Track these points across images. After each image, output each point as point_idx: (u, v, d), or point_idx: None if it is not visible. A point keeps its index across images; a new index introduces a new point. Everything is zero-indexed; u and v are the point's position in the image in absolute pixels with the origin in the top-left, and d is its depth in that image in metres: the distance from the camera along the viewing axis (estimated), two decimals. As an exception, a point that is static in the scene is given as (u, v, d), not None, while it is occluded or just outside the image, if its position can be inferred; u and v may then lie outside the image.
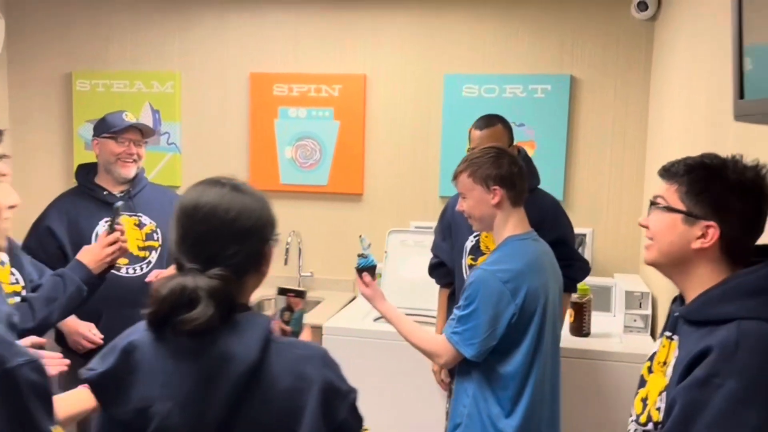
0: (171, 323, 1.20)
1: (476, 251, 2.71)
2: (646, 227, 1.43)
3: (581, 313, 3.12)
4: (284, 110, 3.90)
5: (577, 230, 3.67)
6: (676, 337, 1.39)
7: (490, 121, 2.71)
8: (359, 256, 2.30)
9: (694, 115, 2.60)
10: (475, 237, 2.71)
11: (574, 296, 3.14)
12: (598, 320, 3.31)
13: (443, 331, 2.17)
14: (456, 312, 2.12)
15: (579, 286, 3.15)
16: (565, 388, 2.94)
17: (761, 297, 1.23)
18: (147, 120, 4.00)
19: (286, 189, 3.93)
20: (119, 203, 2.34)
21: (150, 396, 1.20)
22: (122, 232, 2.24)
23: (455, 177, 2.17)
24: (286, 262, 3.75)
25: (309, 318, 3.51)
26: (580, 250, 3.71)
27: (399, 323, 2.26)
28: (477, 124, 2.72)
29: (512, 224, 2.13)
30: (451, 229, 2.81)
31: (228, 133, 4.00)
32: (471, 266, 2.68)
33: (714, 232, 1.31)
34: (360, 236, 2.38)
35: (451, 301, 2.82)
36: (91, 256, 2.17)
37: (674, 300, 1.48)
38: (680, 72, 2.89)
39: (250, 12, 3.92)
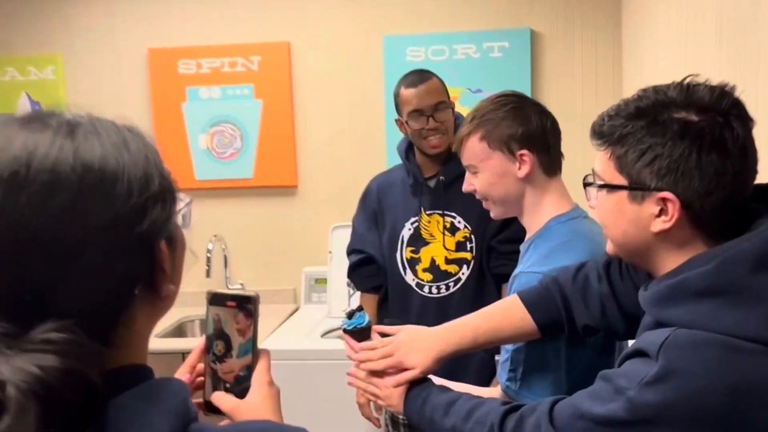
0: None
1: (417, 241, 2.17)
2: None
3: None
4: (193, 91, 3.24)
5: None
6: None
7: (423, 75, 2.14)
8: (347, 314, 1.63)
9: (672, 60, 2.10)
10: (413, 223, 2.17)
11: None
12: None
13: (499, 379, 1.51)
14: (504, 352, 1.46)
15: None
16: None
17: (705, 302, 0.92)
18: (24, 114, 3.28)
19: (204, 186, 3.28)
20: None
21: None
22: None
23: (459, 143, 1.51)
24: (208, 274, 3.09)
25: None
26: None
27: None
28: (407, 81, 2.14)
29: (551, 201, 1.48)
30: (379, 216, 2.26)
31: (127, 122, 3.29)
32: (411, 260, 2.16)
33: (673, 205, 0.96)
34: (348, 281, 1.70)
35: (382, 310, 2.27)
36: None
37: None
38: (654, 15, 2.40)
39: (143, -25, 3.24)
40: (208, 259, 3.09)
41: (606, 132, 1.01)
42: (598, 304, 1.24)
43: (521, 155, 1.43)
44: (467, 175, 1.53)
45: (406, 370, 1.28)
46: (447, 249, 2.13)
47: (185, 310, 3.26)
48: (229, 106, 3.23)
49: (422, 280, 2.15)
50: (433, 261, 2.14)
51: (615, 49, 3.09)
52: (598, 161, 1.05)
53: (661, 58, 2.43)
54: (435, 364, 1.29)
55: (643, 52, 2.70)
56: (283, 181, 3.25)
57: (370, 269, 2.29)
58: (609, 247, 1.10)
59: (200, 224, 3.30)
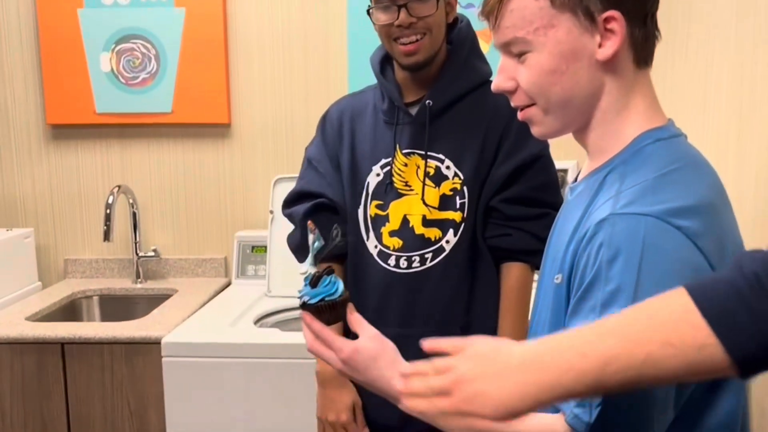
0: None
1: (386, 192, 1.46)
2: None
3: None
4: (93, -7, 2.45)
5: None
6: None
7: None
8: (310, 279, 1.02)
9: None
10: (384, 166, 1.47)
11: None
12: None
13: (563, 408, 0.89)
14: None
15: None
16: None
17: None
18: None
19: (106, 121, 2.51)
20: None
21: None
22: None
23: (496, 3, 0.88)
24: (107, 237, 2.33)
25: (146, 326, 2.13)
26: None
27: None
28: None
29: (642, 107, 0.88)
30: (340, 153, 1.54)
31: (3, 37, 2.50)
32: (376, 218, 1.46)
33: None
34: (311, 225, 1.07)
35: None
36: None
37: None
38: None
39: None
40: (108, 217, 2.33)
41: None
42: None
43: (607, 21, 0.84)
44: (504, 62, 0.90)
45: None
46: (427, 205, 1.43)
47: (79, 283, 2.52)
48: (140, 16, 2.45)
49: (387, 248, 1.45)
50: (405, 221, 1.44)
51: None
52: None
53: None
54: (514, 417, 0.72)
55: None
56: (212, 117, 2.49)
57: (333, 222, 1.54)
58: None
59: (100, 172, 2.54)
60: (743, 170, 1.53)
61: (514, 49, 0.87)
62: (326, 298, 0.98)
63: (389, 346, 0.97)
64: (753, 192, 1.47)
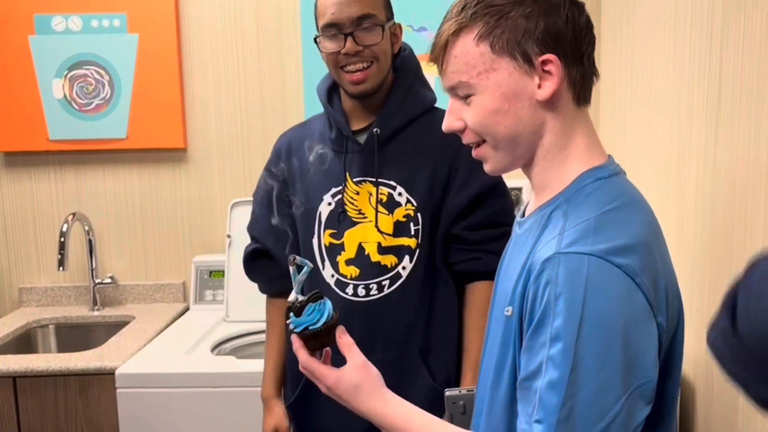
0: None
1: (339, 221, 1.48)
2: None
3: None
4: (44, 20, 2.42)
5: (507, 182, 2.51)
6: None
7: None
8: (292, 308, 1.05)
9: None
10: (335, 195, 1.48)
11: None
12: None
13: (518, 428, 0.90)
14: (527, 382, 0.85)
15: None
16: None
17: None
18: None
19: (60, 148, 2.47)
20: None
21: None
22: None
23: (440, 51, 0.93)
24: (62, 266, 2.29)
25: (101, 356, 2.11)
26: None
27: None
28: None
29: (582, 145, 0.93)
30: (290, 185, 1.56)
31: (-48, 62, 2.46)
32: (331, 248, 1.47)
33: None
34: (291, 258, 1.08)
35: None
36: None
37: None
38: None
39: None
40: (62, 246, 2.29)
41: None
42: None
43: (544, 64, 0.88)
44: (452, 104, 0.95)
45: None
46: (381, 232, 1.44)
47: (35, 312, 2.48)
48: (93, 42, 2.43)
49: (344, 277, 1.46)
50: (360, 249, 1.45)
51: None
52: None
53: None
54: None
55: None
56: (167, 142, 2.47)
57: (267, 267, 1.63)
58: None
59: (55, 199, 2.50)
60: (684, 189, 1.57)
61: (460, 92, 0.92)
62: (309, 327, 1.01)
63: (372, 375, 1.00)
64: (693, 210, 1.52)
